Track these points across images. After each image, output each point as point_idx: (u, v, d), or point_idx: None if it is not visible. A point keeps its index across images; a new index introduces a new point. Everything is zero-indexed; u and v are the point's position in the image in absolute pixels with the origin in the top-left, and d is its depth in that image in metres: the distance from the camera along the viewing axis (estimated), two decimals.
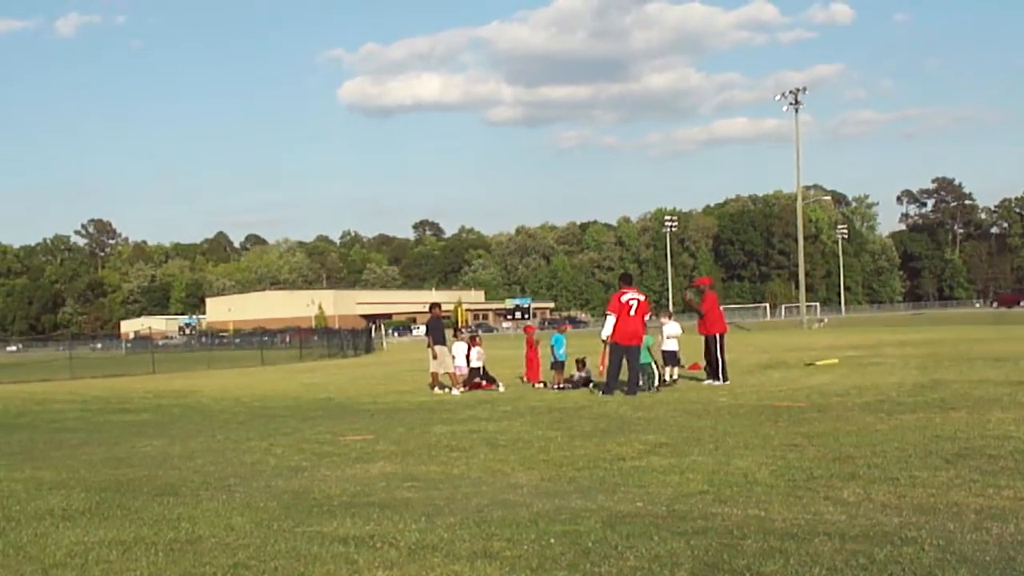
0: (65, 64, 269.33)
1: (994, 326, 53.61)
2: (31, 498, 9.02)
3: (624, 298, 18.63)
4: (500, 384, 21.39)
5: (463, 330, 25.08)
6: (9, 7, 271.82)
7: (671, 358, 20.82)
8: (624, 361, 18.39)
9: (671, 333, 21.23)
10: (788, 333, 59.39)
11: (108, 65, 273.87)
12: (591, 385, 19.99)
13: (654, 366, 19.57)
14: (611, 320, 18.67)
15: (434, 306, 22.81)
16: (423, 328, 26.82)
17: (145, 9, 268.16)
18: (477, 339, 22.76)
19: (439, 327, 21.87)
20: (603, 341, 18.80)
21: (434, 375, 21.60)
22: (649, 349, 19.67)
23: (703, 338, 20.41)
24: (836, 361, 25.51)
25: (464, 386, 21.03)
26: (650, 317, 20.11)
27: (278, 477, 9.85)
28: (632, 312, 18.52)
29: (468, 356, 21.99)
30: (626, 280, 19.69)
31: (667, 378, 20.29)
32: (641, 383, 18.73)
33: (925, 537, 6.24)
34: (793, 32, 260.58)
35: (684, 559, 5.95)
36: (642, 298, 18.86)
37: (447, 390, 20.90)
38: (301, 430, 14.50)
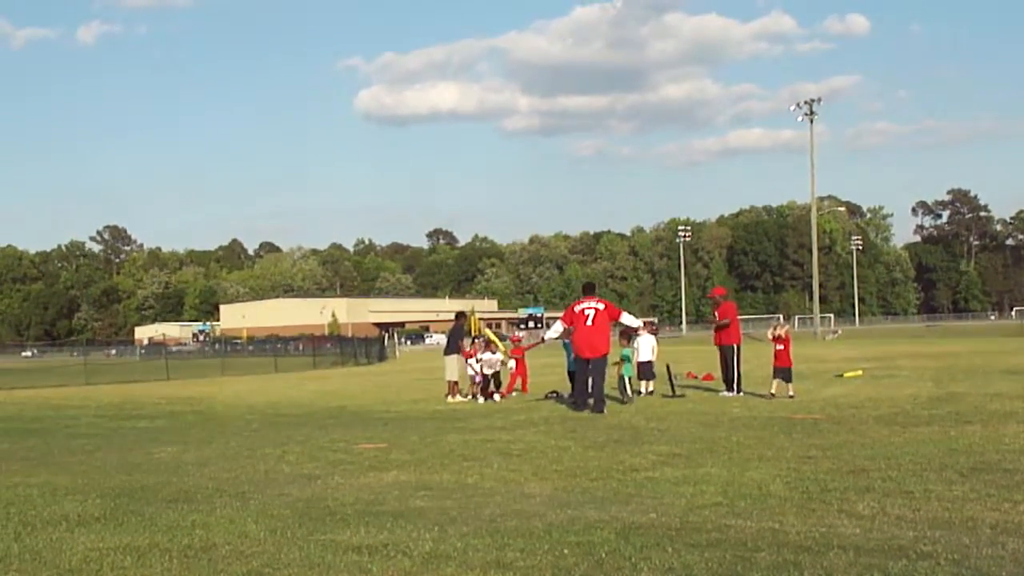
0: (85, 72, 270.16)
1: (1010, 339, 53.39)
2: (47, 503, 9.04)
3: (579, 308, 17.93)
4: (497, 395, 21.27)
5: (478, 338, 25.05)
6: (32, 15, 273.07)
7: (645, 371, 20.71)
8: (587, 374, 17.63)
9: (645, 346, 20.99)
10: (802, 344, 59.10)
11: (127, 73, 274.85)
12: (566, 396, 19.93)
13: (628, 379, 19.50)
14: (558, 326, 18.65)
15: (459, 315, 22.98)
16: (436, 337, 26.96)
17: (165, 18, 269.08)
18: (493, 345, 22.60)
19: (458, 335, 21.99)
20: (541, 339, 20.12)
21: (451, 384, 21.56)
22: (628, 359, 19.74)
23: (719, 349, 20.34)
24: (861, 372, 25.48)
25: (485, 395, 21.00)
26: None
27: (292, 485, 9.85)
28: (589, 322, 17.64)
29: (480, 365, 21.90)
30: (587, 289, 18.99)
31: (642, 391, 20.32)
32: (626, 395, 18.93)
33: (940, 551, 6.22)
34: (809, 43, 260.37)
35: (698, 571, 5.93)
36: (601, 307, 17.96)
37: (468, 398, 20.94)
38: (315, 438, 14.51)
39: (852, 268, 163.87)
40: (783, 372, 18.74)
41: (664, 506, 8.03)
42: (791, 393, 18.47)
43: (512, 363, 23.17)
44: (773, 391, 18.47)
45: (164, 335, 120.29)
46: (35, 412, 23.78)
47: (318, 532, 7.39)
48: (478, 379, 21.40)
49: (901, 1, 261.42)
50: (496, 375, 21.95)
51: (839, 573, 5.80)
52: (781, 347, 18.78)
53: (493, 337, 23.46)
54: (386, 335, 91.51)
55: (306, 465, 11.39)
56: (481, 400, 20.65)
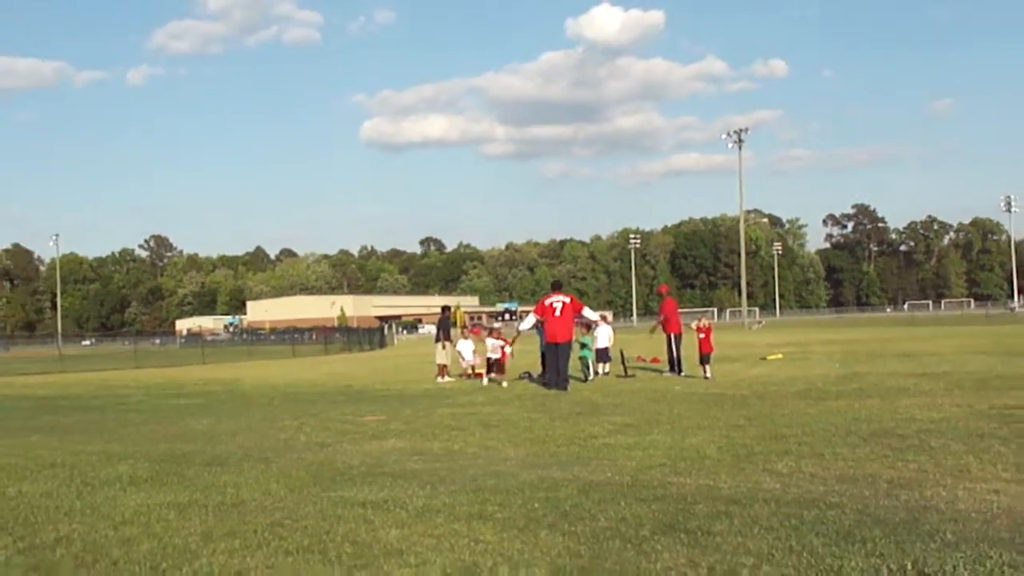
0: (134, 107, 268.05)
1: (902, 328, 53.72)
2: (103, 467, 8.99)
3: (548, 301, 17.99)
4: (486, 378, 20.86)
5: (468, 327, 24.99)
6: (90, 60, 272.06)
7: (603, 355, 20.63)
8: (556, 357, 17.53)
9: (603, 335, 20.80)
10: (732, 333, 59.28)
11: (169, 108, 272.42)
12: (536, 375, 19.88)
13: (590, 361, 19.57)
14: (531, 318, 18.83)
15: (445, 308, 23.07)
16: (427, 327, 26.91)
17: (201, 63, 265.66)
18: (495, 332, 22.24)
19: (445, 326, 22.00)
20: (518, 331, 19.92)
21: (440, 367, 21.45)
22: (586, 345, 19.76)
23: (665, 336, 20.36)
24: (781, 356, 25.50)
25: (489, 375, 20.08)
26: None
27: (307, 451, 9.83)
28: (557, 313, 17.72)
29: (474, 351, 21.59)
30: (555, 286, 19.00)
31: (600, 371, 20.21)
32: (589, 375, 19.03)
33: (846, 502, 6.27)
34: (738, 83, 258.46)
35: (646, 520, 5.96)
36: (567, 300, 18.01)
37: (455, 379, 20.79)
38: (326, 412, 14.46)
39: (774, 269, 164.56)
40: (704, 357, 18.60)
41: (618, 467, 8.05)
42: (708, 374, 18.24)
43: (508, 348, 22.83)
44: (706, 375, 18.32)
45: (200, 327, 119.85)
46: (93, 391, 23.62)
47: (329, 490, 7.38)
48: (474, 362, 21.09)
49: (814, 50, 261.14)
50: (498, 359, 21.55)
51: (763, 521, 5.83)
52: (703, 336, 18.66)
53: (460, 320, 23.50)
54: (385, 326, 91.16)
55: (319, 434, 11.36)
56: (485, 381, 19.61)
